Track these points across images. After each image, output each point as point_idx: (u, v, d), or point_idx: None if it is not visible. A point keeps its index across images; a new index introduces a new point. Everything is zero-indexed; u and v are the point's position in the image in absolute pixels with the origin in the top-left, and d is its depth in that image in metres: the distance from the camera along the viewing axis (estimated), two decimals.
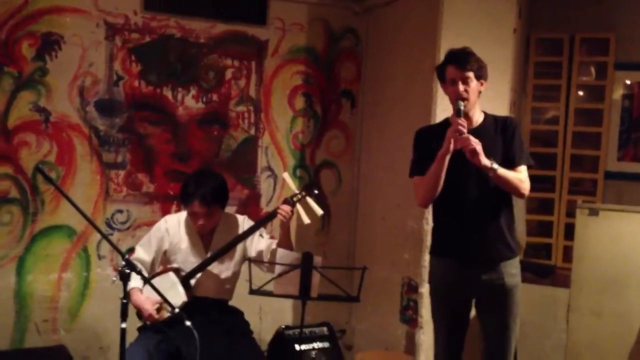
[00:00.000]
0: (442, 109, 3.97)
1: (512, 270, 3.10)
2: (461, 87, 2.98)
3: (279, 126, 4.71)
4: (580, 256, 4.04)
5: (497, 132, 3.07)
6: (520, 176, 3.00)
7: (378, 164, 4.72)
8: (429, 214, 3.99)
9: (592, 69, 4.75)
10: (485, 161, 2.89)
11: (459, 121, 2.90)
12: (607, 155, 4.64)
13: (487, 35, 4.03)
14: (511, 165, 3.01)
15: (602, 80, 4.65)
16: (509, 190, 3.02)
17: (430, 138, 3.10)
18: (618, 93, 4.63)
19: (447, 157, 2.95)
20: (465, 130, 2.89)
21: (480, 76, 3.03)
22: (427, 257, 3.97)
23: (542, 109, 4.74)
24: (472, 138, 2.88)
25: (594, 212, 3.99)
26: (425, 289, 4.02)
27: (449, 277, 3.15)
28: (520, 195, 3.04)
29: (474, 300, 3.22)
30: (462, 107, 2.94)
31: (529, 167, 3.10)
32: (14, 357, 3.83)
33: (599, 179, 4.62)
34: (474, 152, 2.87)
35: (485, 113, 3.16)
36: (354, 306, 4.87)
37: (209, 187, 3.47)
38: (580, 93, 4.70)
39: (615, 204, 4.20)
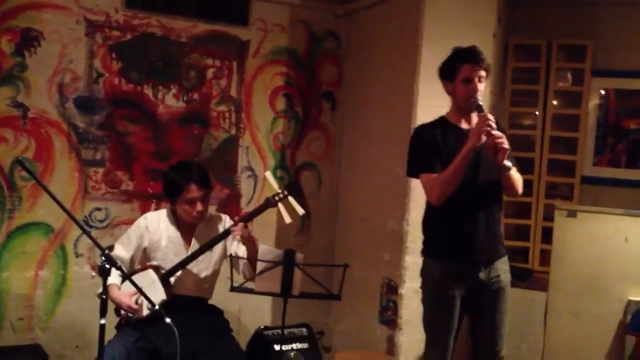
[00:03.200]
0: (423, 111, 3.99)
1: (505, 267, 3.12)
2: (478, 85, 2.97)
3: (259, 126, 4.70)
4: (558, 258, 4.08)
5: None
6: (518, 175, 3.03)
7: (358, 166, 4.73)
8: (409, 215, 4.01)
9: (569, 75, 4.81)
10: (506, 160, 2.86)
11: (488, 116, 2.86)
12: (583, 160, 4.70)
13: (467, 39, 4.02)
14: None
15: (579, 87, 4.71)
16: (509, 190, 3.02)
17: (434, 134, 3.04)
18: (594, 99, 4.70)
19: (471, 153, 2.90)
20: (495, 126, 2.86)
21: (487, 77, 3.04)
22: (407, 258, 3.99)
23: (519, 114, 4.78)
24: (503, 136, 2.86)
25: (571, 214, 4.04)
26: (404, 290, 4.02)
27: (449, 278, 3.06)
28: (517, 194, 3.07)
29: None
30: (481, 103, 2.93)
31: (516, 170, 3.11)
32: None
33: (576, 183, 4.67)
34: (503, 150, 2.83)
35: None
36: (332, 307, 4.87)
37: (200, 170, 3.49)
38: (557, 99, 4.76)
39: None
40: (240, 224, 3.40)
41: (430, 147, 3.03)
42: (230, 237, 3.49)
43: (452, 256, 3.06)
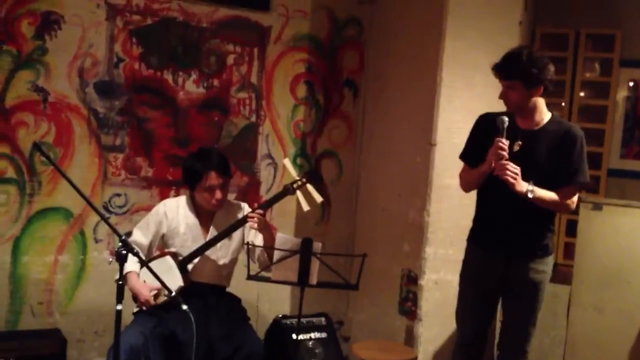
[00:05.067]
0: (446, 99, 3.95)
1: (540, 267, 3.12)
2: (500, 94, 3.00)
3: (280, 114, 4.65)
4: (583, 251, 4.02)
5: (556, 138, 3.01)
6: (554, 197, 2.96)
7: (379, 155, 4.67)
8: (430, 205, 3.97)
9: (597, 66, 4.72)
10: (520, 188, 2.89)
11: (500, 144, 2.88)
12: (610, 153, 4.61)
13: (492, 25, 4.00)
14: (564, 180, 2.99)
15: (607, 77, 4.62)
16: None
17: (487, 127, 3.06)
18: (622, 90, 4.61)
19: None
20: (505, 154, 2.87)
21: (531, 83, 2.93)
22: (427, 249, 3.99)
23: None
24: (510, 166, 2.86)
25: (597, 207, 3.97)
26: (424, 281, 4.00)
27: (479, 264, 3.20)
28: (563, 212, 3.10)
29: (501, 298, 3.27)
30: (504, 125, 2.90)
31: (583, 185, 3.10)
32: (8, 339, 3.76)
33: (602, 176, 4.59)
34: (506, 181, 2.87)
35: (552, 115, 3.11)
36: (351, 297, 4.83)
37: (220, 157, 3.48)
38: (584, 90, 4.66)
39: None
40: (256, 213, 3.37)
41: (475, 138, 3.20)
42: (247, 225, 3.46)
43: (479, 242, 3.22)
